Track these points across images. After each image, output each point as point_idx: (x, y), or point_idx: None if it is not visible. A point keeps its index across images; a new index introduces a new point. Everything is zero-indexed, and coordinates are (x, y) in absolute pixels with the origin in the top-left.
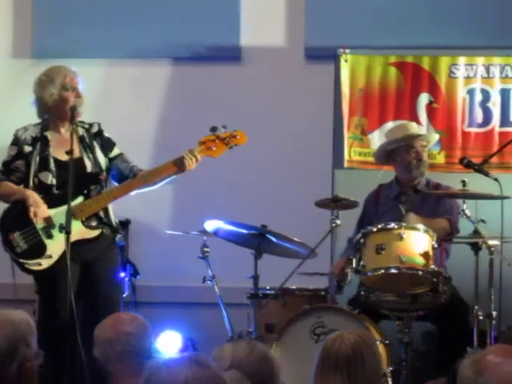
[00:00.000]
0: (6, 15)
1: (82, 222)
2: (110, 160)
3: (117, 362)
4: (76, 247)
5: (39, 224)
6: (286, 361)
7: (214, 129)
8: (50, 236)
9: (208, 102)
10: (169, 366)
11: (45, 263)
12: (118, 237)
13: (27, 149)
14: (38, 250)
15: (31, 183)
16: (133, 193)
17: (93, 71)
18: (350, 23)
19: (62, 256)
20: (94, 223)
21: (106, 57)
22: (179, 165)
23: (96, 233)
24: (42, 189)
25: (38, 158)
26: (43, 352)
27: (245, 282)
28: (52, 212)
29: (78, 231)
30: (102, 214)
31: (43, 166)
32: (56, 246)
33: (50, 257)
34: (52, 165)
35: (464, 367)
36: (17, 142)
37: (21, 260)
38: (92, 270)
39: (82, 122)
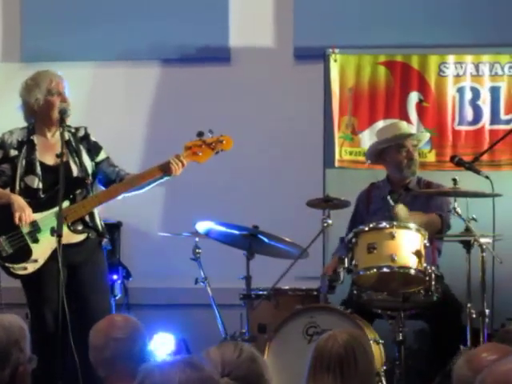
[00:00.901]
0: None
1: (68, 227)
2: (97, 164)
3: (107, 367)
4: (62, 251)
5: (25, 228)
6: (278, 361)
7: (200, 134)
8: (35, 240)
9: (197, 103)
10: (162, 368)
11: (30, 267)
12: (105, 241)
13: (13, 153)
14: (24, 255)
15: (17, 187)
16: (120, 197)
17: (82, 73)
18: (339, 23)
19: (48, 260)
20: (79, 227)
21: (95, 59)
22: (165, 170)
23: (81, 237)
24: (28, 193)
25: (24, 162)
26: (36, 356)
27: (237, 282)
28: (38, 216)
29: (64, 235)
30: (87, 218)
31: (29, 169)
32: (42, 251)
33: (36, 261)
34: (38, 169)
35: (459, 367)
36: (2, 145)
37: (6, 264)
38: (78, 274)
39: (69, 126)
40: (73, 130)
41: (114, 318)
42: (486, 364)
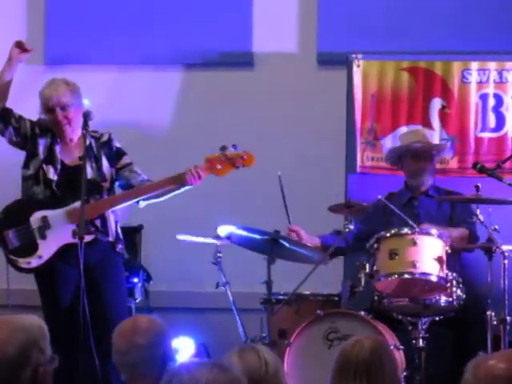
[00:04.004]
0: (20, 22)
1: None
2: (118, 170)
3: (129, 371)
4: (70, 251)
5: (35, 224)
6: (298, 366)
7: (223, 148)
8: (43, 236)
9: (220, 109)
10: (190, 368)
11: (34, 262)
12: (119, 247)
13: (37, 131)
14: (30, 249)
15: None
16: (143, 205)
17: (105, 77)
18: (362, 28)
19: (55, 258)
20: (91, 228)
21: (119, 63)
22: (181, 180)
23: (88, 238)
24: (45, 180)
25: (46, 150)
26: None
27: (258, 287)
28: (49, 213)
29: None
30: (98, 221)
31: (49, 159)
32: (47, 247)
33: (40, 257)
34: (58, 162)
35: (467, 370)
36: (31, 121)
37: (11, 257)
38: (92, 276)
39: (95, 131)
40: (97, 135)
41: (138, 321)
42: (492, 372)
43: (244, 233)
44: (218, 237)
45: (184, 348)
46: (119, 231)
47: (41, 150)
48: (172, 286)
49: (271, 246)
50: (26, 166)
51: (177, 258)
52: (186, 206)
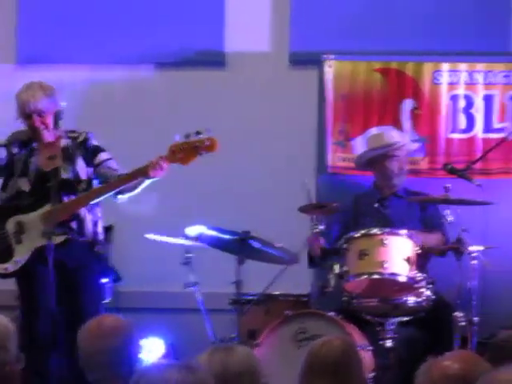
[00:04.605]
0: None
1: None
2: (95, 167)
3: (96, 373)
4: (44, 252)
5: (11, 229)
6: (267, 367)
7: (186, 136)
8: (18, 241)
9: (192, 108)
10: (158, 369)
11: (11, 268)
12: (98, 247)
13: (14, 150)
14: (7, 255)
15: (8, 187)
16: (120, 200)
17: (77, 76)
18: (335, 29)
19: (32, 260)
20: (59, 229)
21: (91, 62)
22: (144, 173)
23: (60, 239)
24: (19, 194)
25: (20, 163)
26: (24, 355)
27: (228, 287)
28: (24, 218)
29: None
30: (74, 223)
31: (24, 171)
32: (23, 251)
33: (16, 262)
34: (31, 171)
35: (419, 374)
36: (8, 143)
37: None
38: (69, 277)
39: (72, 132)
40: (74, 136)
41: (104, 322)
42: (446, 372)
43: (214, 233)
44: (187, 237)
45: (154, 349)
46: (99, 231)
47: (18, 167)
48: (142, 287)
49: (241, 247)
50: (3, 188)
51: (146, 259)
52: (156, 206)
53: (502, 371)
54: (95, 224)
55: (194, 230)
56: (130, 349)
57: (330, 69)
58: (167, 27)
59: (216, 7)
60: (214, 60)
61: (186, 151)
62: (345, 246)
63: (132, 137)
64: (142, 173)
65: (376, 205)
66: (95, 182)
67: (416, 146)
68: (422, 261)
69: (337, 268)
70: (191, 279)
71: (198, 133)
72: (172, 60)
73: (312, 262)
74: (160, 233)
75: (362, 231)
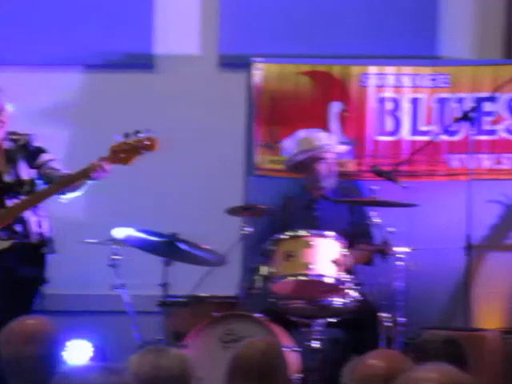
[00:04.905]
0: None
1: None
2: (39, 168)
3: (16, 380)
4: None
5: None
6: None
7: (126, 135)
8: None
9: (121, 110)
10: (80, 371)
11: None
12: (44, 248)
13: None
14: None
15: None
16: (64, 201)
17: (4, 78)
18: (264, 32)
19: None
20: (4, 235)
21: (18, 64)
22: (86, 175)
23: (6, 244)
24: None
25: None
26: None
27: (155, 289)
28: None
29: None
30: (19, 226)
31: None
32: None
33: None
34: None
35: (343, 374)
36: None
37: None
38: (15, 279)
39: (14, 134)
40: (16, 138)
41: (26, 325)
42: (371, 372)
43: (141, 235)
44: (114, 239)
45: (81, 351)
46: (45, 231)
47: None
48: (69, 289)
49: (168, 249)
50: None
51: (73, 261)
52: (83, 208)
53: (419, 370)
54: (40, 225)
55: (120, 232)
56: (53, 353)
57: (259, 71)
58: (96, 29)
59: (145, 9)
60: (143, 62)
61: (127, 151)
62: (272, 247)
63: (59, 139)
64: (83, 174)
65: (305, 207)
66: (39, 183)
67: (346, 148)
68: (348, 262)
69: (263, 269)
70: (118, 281)
71: (137, 132)
72: (101, 62)
73: None
74: (88, 235)
75: (289, 233)
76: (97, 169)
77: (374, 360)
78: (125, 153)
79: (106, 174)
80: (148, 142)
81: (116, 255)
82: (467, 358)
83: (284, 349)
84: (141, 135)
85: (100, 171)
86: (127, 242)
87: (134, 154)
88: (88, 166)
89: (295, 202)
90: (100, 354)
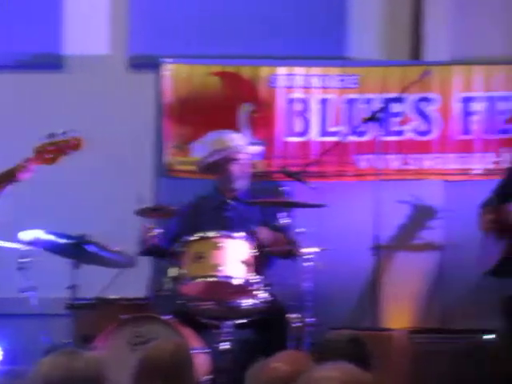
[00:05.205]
0: None
1: None
2: None
3: None
4: None
5: None
6: None
7: (51, 135)
8: None
9: (30, 111)
10: None
11: None
12: None
13: None
14: None
15: None
16: None
17: None
18: (173, 33)
19: None
20: None
21: None
22: (11, 176)
23: None
24: None
25: None
26: None
27: (64, 292)
28: None
29: None
30: None
31: None
32: None
33: None
34: None
35: (247, 377)
36: None
37: None
38: None
39: None
40: None
41: None
42: (276, 374)
43: (49, 237)
44: (21, 241)
45: None
46: None
47: None
48: None
49: (76, 251)
50: None
51: None
52: None
53: (319, 369)
54: None
55: (28, 235)
56: None
57: (169, 72)
58: (4, 29)
59: (54, 9)
60: (52, 62)
61: (53, 151)
62: (181, 248)
63: None
64: (8, 175)
65: (217, 208)
66: None
67: (258, 149)
68: (259, 263)
69: (173, 271)
70: (26, 284)
71: (62, 133)
72: (9, 63)
73: (144, 251)
74: None
75: (199, 234)
76: (22, 169)
77: (278, 363)
78: (50, 153)
79: (30, 174)
80: (74, 142)
81: (24, 258)
82: (371, 357)
83: (193, 350)
84: (66, 135)
85: (25, 172)
86: (35, 244)
87: (59, 153)
88: (13, 167)
89: (207, 203)
90: (9, 358)
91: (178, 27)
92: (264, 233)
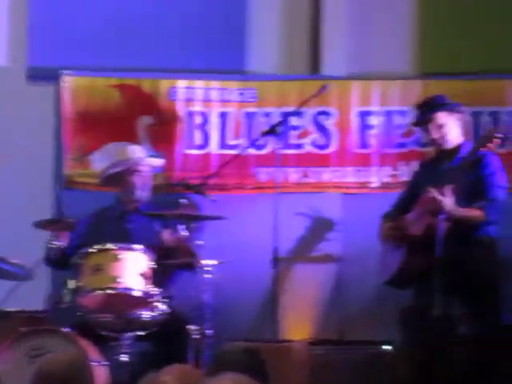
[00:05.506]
0: None
1: None
2: None
3: None
4: None
5: None
6: None
7: None
8: None
9: None
10: None
11: None
12: None
13: None
14: None
15: None
16: None
17: None
18: (73, 44)
19: None
20: None
21: None
22: None
23: None
24: None
25: None
26: None
27: None
28: None
29: None
30: None
31: None
32: None
33: None
34: None
35: None
36: None
37: None
38: None
39: None
40: None
41: None
42: None
43: None
44: None
45: None
46: None
47: None
48: None
49: None
50: None
51: None
52: None
53: (209, 382)
54: None
55: None
56: None
57: (68, 84)
58: None
59: None
60: None
61: None
62: (80, 261)
63: None
64: None
65: (118, 219)
66: None
67: (160, 161)
68: (157, 275)
69: (71, 283)
70: None
71: None
72: None
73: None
74: None
75: (97, 246)
76: None
77: (167, 376)
78: None
79: None
80: None
81: None
82: (268, 368)
83: (91, 363)
84: None
85: None
86: None
87: None
88: None
89: (108, 214)
90: None
91: (78, 39)
92: (167, 235)
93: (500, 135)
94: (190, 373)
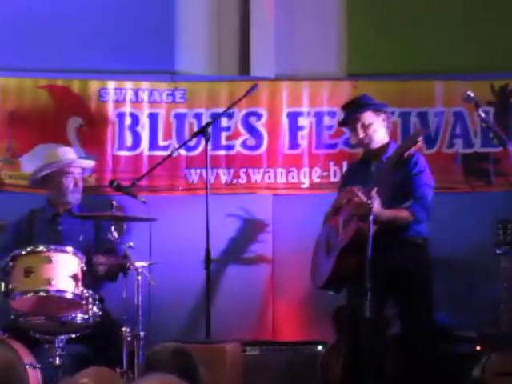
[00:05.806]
0: None
1: None
2: None
3: None
4: None
5: None
6: None
7: None
8: None
9: None
10: None
11: None
12: None
13: None
14: None
15: None
16: None
17: None
18: (1, 45)
19: None
20: None
21: None
22: None
23: None
24: None
25: None
26: None
27: None
28: None
29: None
30: None
31: None
32: None
33: None
34: None
35: None
36: None
37: None
38: None
39: None
40: None
41: None
42: None
43: None
44: None
45: None
46: None
47: None
48: None
49: None
50: None
51: None
52: None
53: (137, 382)
54: None
55: None
56: None
57: None
58: None
59: None
60: None
61: None
62: (11, 263)
63: None
64: None
65: (50, 221)
66: None
67: (91, 163)
68: (89, 277)
69: (1, 286)
70: None
71: None
72: None
73: None
74: None
75: (28, 248)
76: None
77: (84, 378)
78: None
79: None
80: None
81: None
82: (198, 368)
83: (24, 366)
84: None
85: None
86: None
87: None
88: None
89: (40, 216)
90: None
91: (7, 39)
92: (101, 261)
93: (426, 135)
94: (107, 375)
